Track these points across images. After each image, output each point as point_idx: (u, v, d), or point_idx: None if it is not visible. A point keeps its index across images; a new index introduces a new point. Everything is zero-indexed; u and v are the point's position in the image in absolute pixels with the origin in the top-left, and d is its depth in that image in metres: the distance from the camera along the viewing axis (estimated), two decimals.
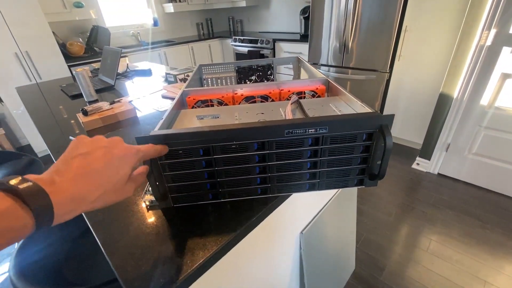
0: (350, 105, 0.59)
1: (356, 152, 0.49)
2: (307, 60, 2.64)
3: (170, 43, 3.20)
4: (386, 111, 2.25)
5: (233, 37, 3.39)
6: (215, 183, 0.50)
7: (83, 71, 1.15)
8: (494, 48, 1.46)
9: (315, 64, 2.56)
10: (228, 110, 0.62)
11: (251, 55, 3.25)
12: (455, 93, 1.66)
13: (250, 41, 3.20)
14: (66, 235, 0.90)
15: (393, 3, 1.85)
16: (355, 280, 1.28)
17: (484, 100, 1.58)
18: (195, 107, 0.67)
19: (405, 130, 2.21)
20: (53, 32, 2.35)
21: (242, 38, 3.29)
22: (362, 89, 2.28)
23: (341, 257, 1.15)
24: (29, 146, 2.51)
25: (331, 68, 2.43)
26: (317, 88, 0.69)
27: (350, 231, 1.16)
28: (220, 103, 0.68)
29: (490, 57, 1.49)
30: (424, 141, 1.93)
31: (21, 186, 0.23)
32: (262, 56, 3.16)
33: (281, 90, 0.70)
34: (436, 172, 1.94)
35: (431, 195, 1.76)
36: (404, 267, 1.32)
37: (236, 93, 0.69)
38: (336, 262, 1.11)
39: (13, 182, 0.23)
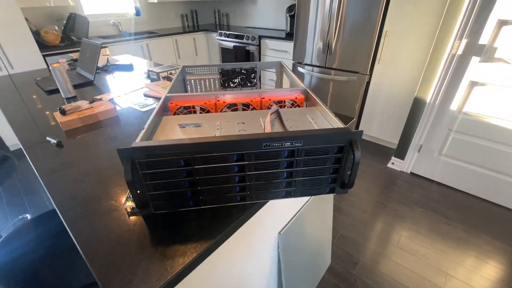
0: (325, 117, 0.62)
1: (328, 164, 0.53)
2: (291, 58, 2.67)
3: (153, 34, 3.11)
4: (365, 112, 2.34)
5: (219, 31, 3.35)
6: (196, 191, 0.52)
7: (60, 67, 1.11)
8: (464, 57, 1.56)
9: (300, 63, 2.59)
10: (210, 118, 0.63)
11: (236, 50, 3.23)
12: (428, 98, 1.76)
13: (236, 36, 3.17)
14: (47, 231, 0.87)
15: (376, 6, 1.91)
16: (330, 274, 1.35)
17: (454, 106, 1.69)
18: (178, 113, 0.68)
19: (383, 131, 2.31)
20: (25, 19, 2.22)
21: (227, 32, 3.26)
22: (343, 90, 2.35)
23: (317, 253, 1.21)
24: None
25: (315, 68, 2.47)
26: (296, 98, 0.72)
27: (327, 229, 1.23)
28: (203, 109, 0.69)
29: (460, 65, 1.58)
30: (399, 142, 2.04)
31: None
32: (248, 52, 3.15)
33: (262, 98, 0.72)
34: (409, 172, 2.06)
35: (403, 193, 1.87)
36: (376, 261, 1.41)
37: (218, 100, 0.70)
38: (312, 258, 1.17)
39: None
